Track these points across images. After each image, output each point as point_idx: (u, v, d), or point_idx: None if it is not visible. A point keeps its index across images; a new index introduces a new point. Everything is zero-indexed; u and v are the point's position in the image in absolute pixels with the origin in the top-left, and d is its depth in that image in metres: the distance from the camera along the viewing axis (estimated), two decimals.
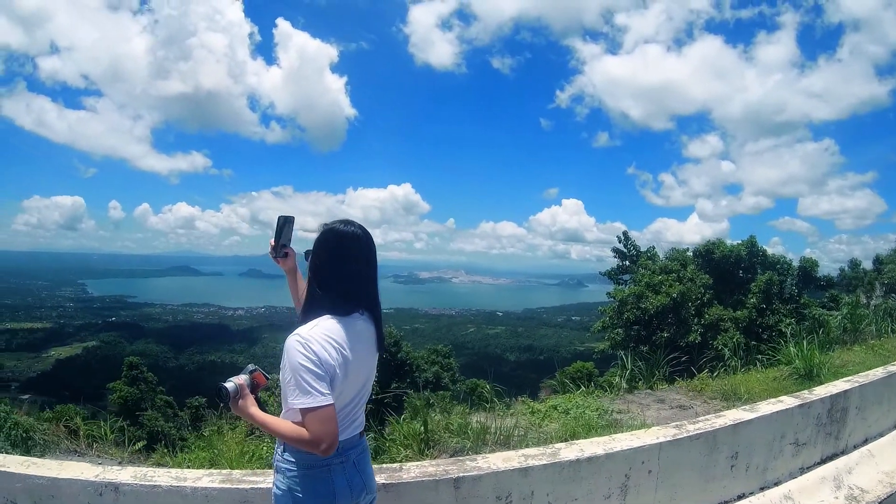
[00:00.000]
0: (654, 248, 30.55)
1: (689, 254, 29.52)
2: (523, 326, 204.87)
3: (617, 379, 10.18)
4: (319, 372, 2.78)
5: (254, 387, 3.18)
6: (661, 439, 5.20)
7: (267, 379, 3.28)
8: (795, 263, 28.88)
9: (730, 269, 28.60)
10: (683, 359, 10.96)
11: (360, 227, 3.19)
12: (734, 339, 22.52)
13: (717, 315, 26.20)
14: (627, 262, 30.20)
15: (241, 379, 3.16)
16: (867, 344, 11.52)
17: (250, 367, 3.31)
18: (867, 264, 32.25)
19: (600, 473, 4.81)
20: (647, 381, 9.56)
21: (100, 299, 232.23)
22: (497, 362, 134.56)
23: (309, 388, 2.75)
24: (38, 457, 5.39)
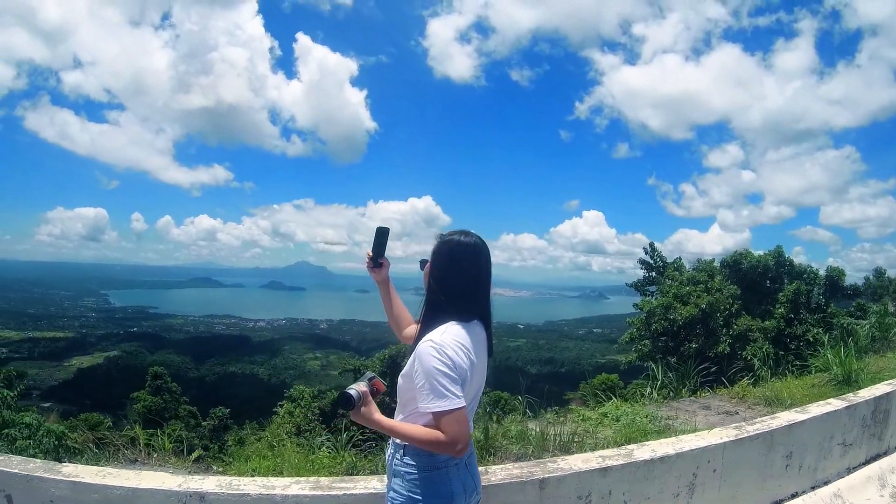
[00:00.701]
0: (680, 259, 30.31)
1: (716, 264, 29.28)
2: (544, 339, 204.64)
3: (648, 389, 10.07)
4: (454, 375, 2.85)
5: (372, 393, 3.19)
6: (725, 439, 5.37)
7: (385, 386, 3.32)
8: (822, 272, 28.44)
9: (757, 280, 28.30)
10: (713, 369, 10.99)
11: (479, 237, 3.28)
12: (763, 349, 21.63)
13: (746, 325, 25.79)
14: (654, 274, 29.96)
15: (363, 386, 3.16)
16: None
17: (369, 374, 3.32)
18: (892, 273, 31.91)
19: (671, 472, 4.98)
20: (678, 392, 9.66)
21: (121, 310, 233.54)
22: (518, 375, 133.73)
23: (445, 392, 2.81)
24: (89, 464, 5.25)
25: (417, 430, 2.93)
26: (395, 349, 36.17)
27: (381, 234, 3.67)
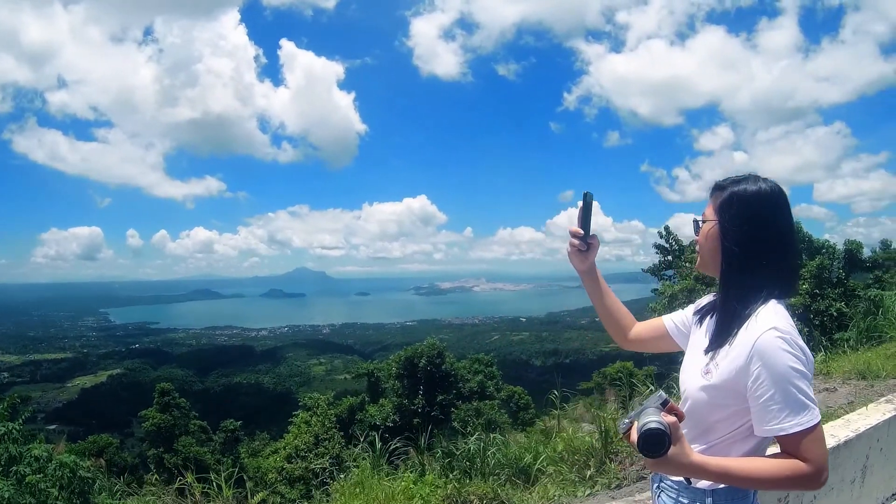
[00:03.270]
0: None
1: None
2: (547, 331, 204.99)
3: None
4: (810, 377, 2.00)
5: None
6: (887, 415, 4.89)
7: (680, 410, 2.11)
8: (840, 246, 28.20)
9: None
10: None
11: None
12: None
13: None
14: (670, 258, 29.53)
15: (667, 417, 2.00)
16: None
17: (660, 395, 2.09)
18: None
19: (851, 456, 4.47)
20: None
21: (122, 327, 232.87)
22: (523, 368, 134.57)
23: (806, 401, 1.96)
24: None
25: (766, 465, 2.01)
26: (412, 350, 35.46)
27: (589, 204, 2.65)
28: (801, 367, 1.96)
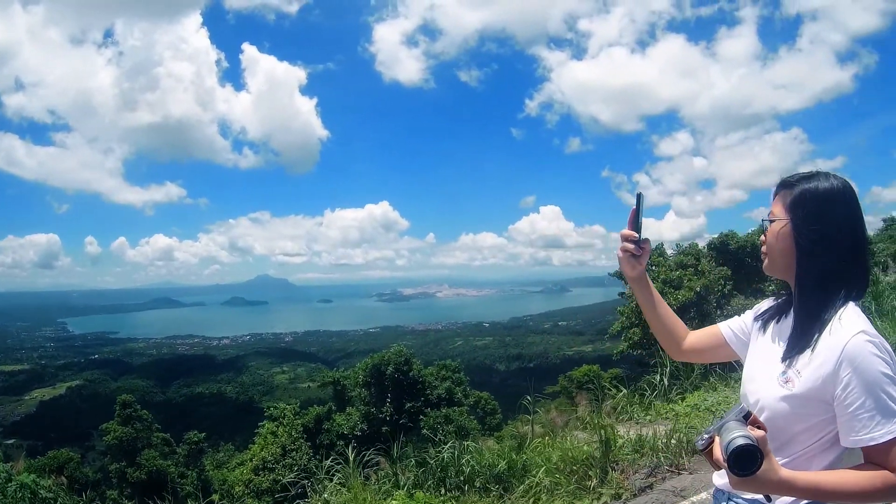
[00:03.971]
0: (662, 244, 30.33)
1: (702, 247, 29.20)
2: (511, 336, 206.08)
3: (659, 378, 9.38)
4: None
5: None
6: None
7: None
8: None
9: (745, 260, 28.17)
10: None
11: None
12: None
13: (741, 305, 25.49)
14: None
15: (754, 431, 1.82)
16: None
17: (741, 407, 1.92)
18: None
19: None
20: (689, 377, 8.86)
21: (81, 337, 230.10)
22: (487, 373, 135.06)
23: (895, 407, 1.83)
24: None
25: (856, 478, 1.87)
26: (379, 357, 35.20)
27: (641, 204, 2.47)
28: (891, 372, 1.85)
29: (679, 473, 5.37)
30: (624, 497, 5.34)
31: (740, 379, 2.35)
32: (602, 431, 5.83)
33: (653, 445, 5.91)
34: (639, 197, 2.48)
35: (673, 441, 5.98)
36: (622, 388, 8.52)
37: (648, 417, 7.40)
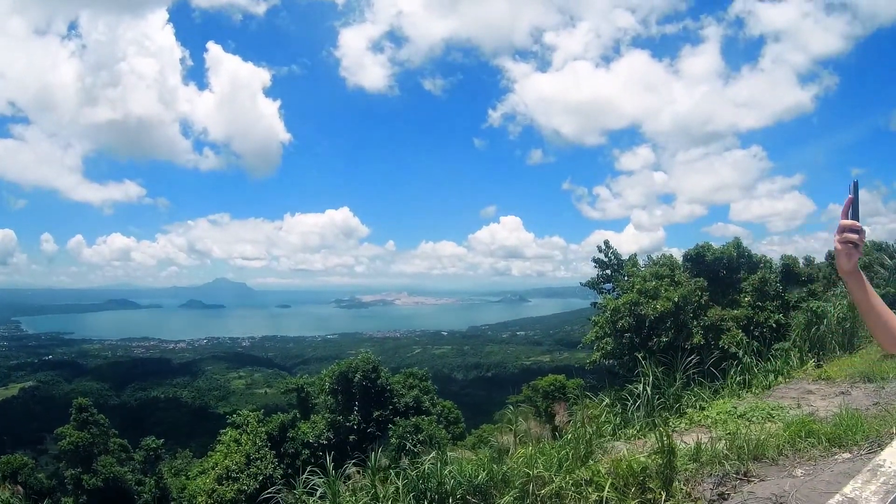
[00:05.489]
0: (635, 255, 30.39)
1: (676, 258, 29.23)
2: (469, 345, 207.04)
3: (641, 387, 9.17)
4: None
5: None
6: None
7: None
8: (776, 261, 29.16)
9: (719, 271, 28.24)
10: (694, 361, 10.32)
11: None
12: (738, 338, 22.75)
13: (718, 315, 25.96)
14: (609, 272, 29.92)
15: None
16: None
17: None
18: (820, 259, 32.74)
19: None
20: (671, 385, 8.81)
21: (35, 337, 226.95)
22: (446, 382, 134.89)
23: None
24: None
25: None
26: (346, 364, 34.63)
27: (857, 193, 2.28)
28: None
29: (749, 481, 5.00)
30: None
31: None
32: (664, 440, 5.41)
33: (714, 453, 5.63)
34: (855, 185, 2.32)
35: (735, 447, 5.74)
36: (605, 399, 8.51)
37: (683, 425, 7.21)
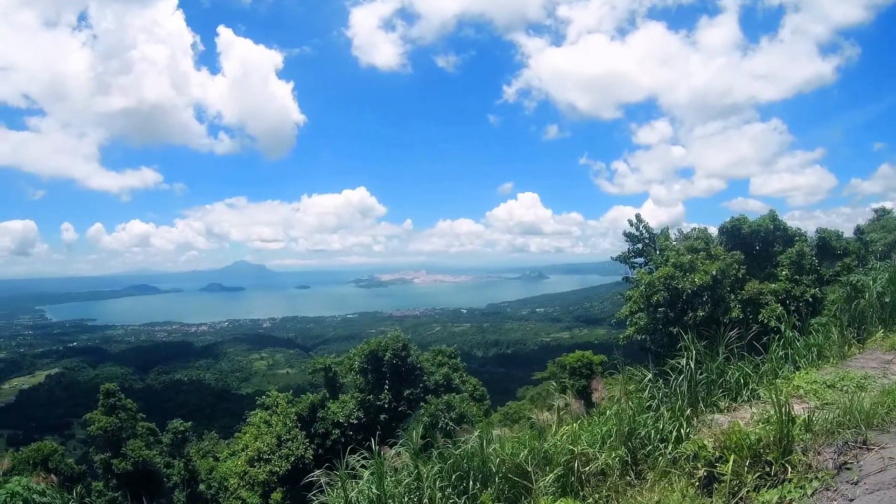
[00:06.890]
0: (667, 229, 29.84)
1: (711, 232, 28.72)
2: (488, 322, 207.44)
3: (684, 361, 8.75)
4: None
5: None
6: None
7: None
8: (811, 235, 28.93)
9: (755, 244, 27.80)
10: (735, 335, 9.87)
11: None
12: (777, 312, 22.12)
13: (756, 289, 25.52)
14: (640, 246, 29.36)
15: None
16: None
17: None
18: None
19: None
20: (713, 361, 8.27)
21: (59, 325, 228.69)
22: (466, 359, 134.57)
23: None
24: None
25: None
26: (376, 343, 34.34)
27: None
28: None
29: (869, 450, 4.76)
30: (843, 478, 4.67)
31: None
32: (781, 409, 5.15)
33: (828, 422, 5.28)
34: None
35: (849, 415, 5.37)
36: (647, 374, 8.05)
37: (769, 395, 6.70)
